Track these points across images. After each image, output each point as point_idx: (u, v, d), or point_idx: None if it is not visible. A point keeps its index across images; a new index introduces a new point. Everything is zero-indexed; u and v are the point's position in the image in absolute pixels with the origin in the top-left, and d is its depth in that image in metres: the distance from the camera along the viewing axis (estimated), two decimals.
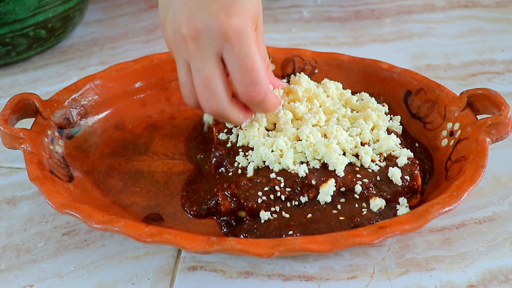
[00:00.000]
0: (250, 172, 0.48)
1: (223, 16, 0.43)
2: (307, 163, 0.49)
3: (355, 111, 0.55)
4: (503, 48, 0.74)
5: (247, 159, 0.50)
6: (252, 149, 0.50)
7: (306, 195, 0.47)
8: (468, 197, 0.45)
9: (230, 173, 0.49)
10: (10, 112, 0.52)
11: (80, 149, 0.56)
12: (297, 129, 0.51)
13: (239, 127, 0.52)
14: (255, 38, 0.45)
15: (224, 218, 0.48)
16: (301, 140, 0.51)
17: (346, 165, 0.48)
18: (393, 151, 0.50)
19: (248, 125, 0.51)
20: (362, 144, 0.51)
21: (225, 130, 0.53)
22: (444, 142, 0.53)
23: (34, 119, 0.54)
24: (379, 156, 0.50)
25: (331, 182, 0.47)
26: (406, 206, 0.47)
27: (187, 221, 0.50)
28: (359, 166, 0.49)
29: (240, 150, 0.51)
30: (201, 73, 0.45)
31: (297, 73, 0.58)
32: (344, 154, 0.49)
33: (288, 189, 0.47)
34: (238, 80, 0.45)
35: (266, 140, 0.50)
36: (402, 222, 0.42)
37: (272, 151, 0.49)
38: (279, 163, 0.48)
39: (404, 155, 0.49)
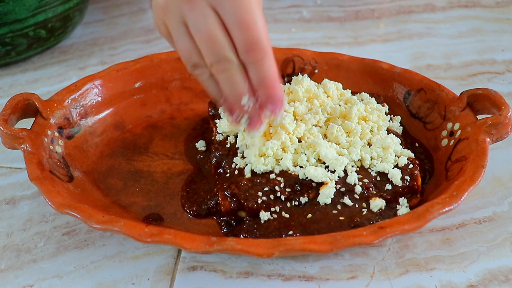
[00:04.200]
0: (247, 174, 0.48)
1: None
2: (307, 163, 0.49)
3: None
4: (503, 48, 0.74)
5: (245, 161, 0.50)
6: None
7: (306, 195, 0.47)
8: (468, 197, 0.45)
9: (228, 174, 0.49)
10: (10, 112, 0.52)
11: (80, 149, 0.56)
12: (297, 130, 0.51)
13: (242, 129, 0.52)
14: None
15: (224, 218, 0.48)
16: (301, 141, 0.51)
17: (346, 165, 0.48)
18: (393, 151, 0.50)
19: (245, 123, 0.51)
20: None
21: (222, 131, 0.53)
22: (444, 142, 0.53)
23: (34, 119, 0.54)
24: (379, 156, 0.50)
25: (332, 183, 0.47)
26: (406, 206, 0.47)
27: (187, 221, 0.50)
28: (359, 166, 0.49)
29: (238, 151, 0.51)
30: (202, 29, 0.42)
31: (299, 74, 0.58)
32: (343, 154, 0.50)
33: (288, 190, 0.47)
34: (237, 38, 0.41)
35: (261, 147, 0.49)
36: (402, 222, 0.42)
37: (267, 156, 0.49)
38: (279, 164, 0.49)
39: (404, 155, 0.50)
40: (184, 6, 0.42)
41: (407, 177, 0.48)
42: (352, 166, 0.49)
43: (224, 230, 0.48)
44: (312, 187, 0.47)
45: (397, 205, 0.47)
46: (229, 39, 0.42)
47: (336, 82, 0.57)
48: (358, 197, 0.47)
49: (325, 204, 0.47)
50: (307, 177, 0.47)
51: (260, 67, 0.42)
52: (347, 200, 0.47)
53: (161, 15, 0.45)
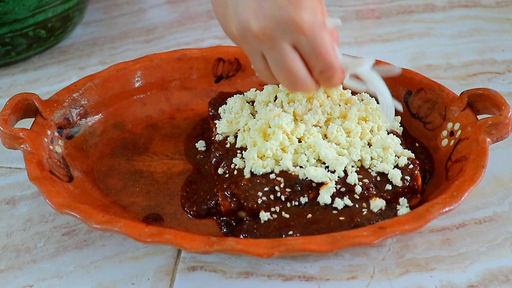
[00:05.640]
0: (247, 174, 0.48)
1: (293, 9, 0.43)
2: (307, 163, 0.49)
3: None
4: (503, 48, 0.74)
5: (244, 162, 0.50)
6: None
7: (306, 195, 0.47)
8: (468, 197, 0.45)
9: (227, 175, 0.49)
10: (10, 112, 0.52)
11: (80, 149, 0.56)
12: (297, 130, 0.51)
13: (242, 129, 0.52)
14: (324, 23, 0.45)
15: (224, 218, 0.48)
16: (300, 141, 0.50)
17: (346, 165, 0.48)
18: (393, 151, 0.50)
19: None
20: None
21: (221, 131, 0.53)
22: (444, 142, 0.53)
23: (34, 119, 0.54)
24: (379, 156, 0.50)
25: (332, 183, 0.47)
26: (407, 206, 0.47)
27: (187, 221, 0.50)
28: (359, 166, 0.49)
29: (238, 151, 0.51)
30: (281, 64, 0.46)
31: None
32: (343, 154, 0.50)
33: (288, 190, 0.47)
34: (314, 64, 0.46)
35: (259, 148, 0.49)
36: (402, 222, 0.42)
37: (267, 158, 0.49)
38: (279, 164, 0.48)
39: (405, 156, 0.49)
40: (264, 45, 0.46)
41: (407, 177, 0.48)
42: (352, 166, 0.49)
43: (224, 230, 0.48)
44: (312, 187, 0.47)
45: (397, 205, 0.47)
46: (305, 65, 0.47)
47: None
48: (358, 197, 0.47)
49: (325, 204, 0.47)
50: (307, 177, 0.47)
51: (331, 80, 0.48)
52: (347, 200, 0.47)
53: (236, 39, 0.48)
